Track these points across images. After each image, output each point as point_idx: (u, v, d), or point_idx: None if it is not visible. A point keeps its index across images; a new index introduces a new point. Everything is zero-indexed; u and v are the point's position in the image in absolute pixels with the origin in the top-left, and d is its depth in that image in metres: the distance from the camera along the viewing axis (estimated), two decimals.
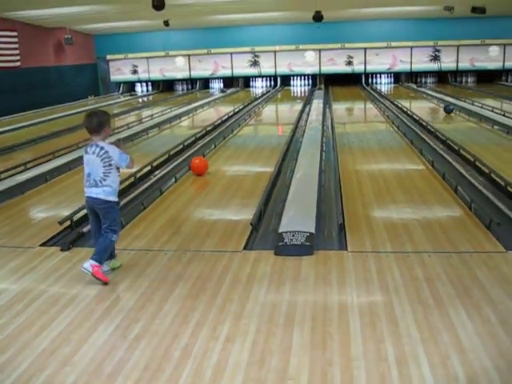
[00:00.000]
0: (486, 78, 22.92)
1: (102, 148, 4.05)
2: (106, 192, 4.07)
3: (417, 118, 12.48)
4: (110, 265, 4.27)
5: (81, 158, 4.35)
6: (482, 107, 13.82)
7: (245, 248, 4.70)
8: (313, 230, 4.79)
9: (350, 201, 6.03)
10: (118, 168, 4.12)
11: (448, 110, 13.68)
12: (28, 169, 8.17)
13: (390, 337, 3.11)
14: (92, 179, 4.07)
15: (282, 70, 23.74)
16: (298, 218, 5.16)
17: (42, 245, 5.00)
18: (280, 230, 4.83)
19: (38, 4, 15.18)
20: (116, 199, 4.17)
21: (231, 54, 23.64)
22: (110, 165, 4.05)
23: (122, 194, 6.50)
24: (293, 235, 4.66)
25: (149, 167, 7.88)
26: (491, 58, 22.60)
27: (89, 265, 4.01)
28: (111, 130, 4.22)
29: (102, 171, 4.04)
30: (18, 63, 18.42)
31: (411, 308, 3.45)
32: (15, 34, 18.10)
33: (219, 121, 13.33)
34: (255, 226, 5.20)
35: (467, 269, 4.06)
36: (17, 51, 18.31)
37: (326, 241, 4.88)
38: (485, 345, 2.99)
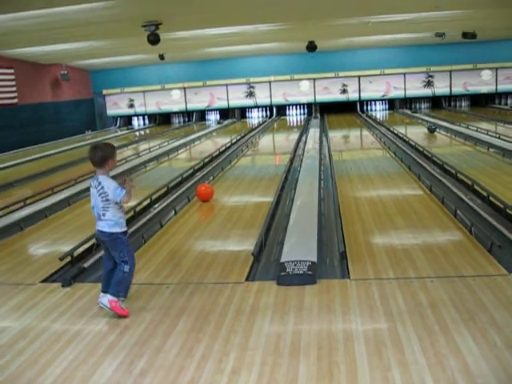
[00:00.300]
0: (480, 102, 23.16)
1: (99, 183, 4.06)
2: (109, 225, 4.07)
3: (413, 144, 12.55)
4: None
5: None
6: (477, 130, 13.93)
7: (247, 279, 4.69)
8: (315, 259, 4.78)
9: (351, 228, 6.03)
10: (116, 202, 4.11)
11: (431, 130, 14.84)
12: (27, 205, 8.16)
13: (397, 364, 3.09)
14: (96, 212, 4.11)
15: (278, 99, 23.92)
16: (299, 247, 5.15)
17: (43, 281, 4.98)
18: (282, 260, 4.82)
19: (33, 42, 15.35)
20: (121, 230, 4.13)
21: (227, 85, 23.85)
22: (107, 200, 4.05)
23: None
24: (295, 264, 4.65)
25: (148, 200, 7.89)
26: (484, 81, 22.83)
27: (106, 300, 4.00)
28: (116, 162, 4.20)
29: (101, 205, 4.06)
30: (16, 100, 18.57)
31: (416, 334, 3.43)
32: (12, 71, 18.28)
33: (217, 152, 13.39)
34: (257, 256, 5.20)
35: (471, 293, 4.05)
36: (14, 88, 18.47)
37: (328, 269, 4.88)
38: (492, 369, 2.97)
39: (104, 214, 4.06)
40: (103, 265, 4.32)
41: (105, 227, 4.07)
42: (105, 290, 4.12)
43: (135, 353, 3.44)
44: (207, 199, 7.93)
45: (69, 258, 5.40)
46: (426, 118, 18.98)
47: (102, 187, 4.04)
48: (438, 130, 14.95)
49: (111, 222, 4.08)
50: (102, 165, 4.07)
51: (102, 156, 4.05)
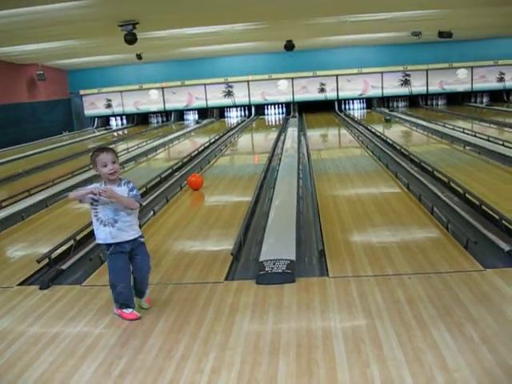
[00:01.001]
0: (456, 100, 23.44)
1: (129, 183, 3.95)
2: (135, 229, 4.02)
3: (390, 142, 12.66)
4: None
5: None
6: (453, 129, 14.10)
7: (226, 278, 4.69)
8: (293, 258, 4.80)
9: (329, 226, 6.07)
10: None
11: (388, 119, 16.66)
12: (3, 207, 8.08)
13: (376, 360, 3.12)
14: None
15: (256, 99, 23.97)
16: (278, 246, 5.17)
17: (20, 284, 4.93)
18: (261, 259, 4.84)
19: (9, 41, 15.17)
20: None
21: (205, 85, 23.82)
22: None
23: None
24: (274, 263, 4.66)
25: None
26: (460, 80, 23.12)
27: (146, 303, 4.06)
28: (100, 170, 3.89)
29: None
30: None
31: (394, 330, 3.46)
32: None
33: (195, 152, 13.38)
34: (236, 255, 5.20)
35: (447, 288, 4.10)
36: None
37: (306, 267, 4.89)
38: (469, 364, 3.01)
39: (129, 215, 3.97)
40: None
41: (135, 234, 4.01)
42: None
43: (115, 354, 3.43)
44: (197, 188, 8.67)
45: (46, 260, 5.35)
46: (403, 117, 19.14)
47: (131, 185, 3.94)
48: (393, 119, 16.24)
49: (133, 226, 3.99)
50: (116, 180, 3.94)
51: (116, 156, 3.93)
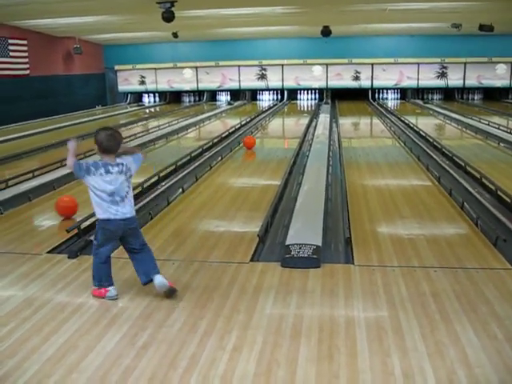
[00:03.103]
0: (493, 96, 22.99)
1: (123, 164, 3.88)
2: (132, 205, 3.97)
3: (423, 134, 12.51)
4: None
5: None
6: (488, 124, 13.85)
7: (251, 259, 4.72)
8: (319, 243, 4.81)
9: (357, 215, 6.04)
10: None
11: None
12: (35, 176, 8.21)
13: (397, 351, 3.11)
14: (118, 196, 3.84)
15: (289, 83, 23.83)
16: (304, 231, 5.18)
17: (49, 252, 5.03)
18: (287, 243, 4.85)
19: (48, 13, 15.30)
20: None
21: (239, 66, 23.76)
22: (131, 176, 3.95)
23: None
24: (300, 248, 4.67)
25: (156, 177, 7.92)
26: (498, 75, 22.65)
27: (164, 280, 3.90)
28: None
29: (126, 184, 3.90)
30: (27, 71, 18.57)
31: (417, 322, 3.45)
32: (25, 42, 18.27)
33: (226, 133, 13.39)
34: (262, 237, 5.22)
35: (473, 285, 4.06)
36: (26, 59, 18.46)
37: (332, 254, 4.90)
38: (491, 360, 2.99)
39: (128, 193, 3.91)
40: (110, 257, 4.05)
41: (131, 211, 3.93)
42: (151, 276, 3.94)
43: (139, 326, 3.49)
44: (250, 147, 10.60)
45: (76, 231, 5.44)
46: (437, 109, 18.89)
47: (124, 165, 3.88)
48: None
49: (132, 203, 3.98)
50: (116, 151, 3.89)
51: (120, 141, 3.90)
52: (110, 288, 3.96)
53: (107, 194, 3.82)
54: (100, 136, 3.82)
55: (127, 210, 3.89)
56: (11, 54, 17.63)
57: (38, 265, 4.67)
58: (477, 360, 3.00)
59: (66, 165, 4.03)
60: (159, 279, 3.88)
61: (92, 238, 5.16)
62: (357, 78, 23.35)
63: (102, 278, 3.97)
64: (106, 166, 3.83)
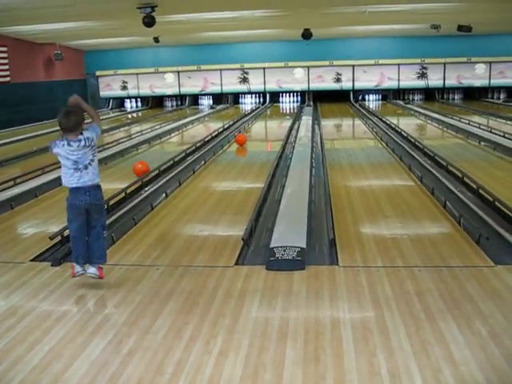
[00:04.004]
0: (473, 95, 23.22)
1: (79, 140, 4.05)
2: (96, 174, 4.15)
3: (405, 135, 12.59)
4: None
5: None
6: (468, 124, 13.98)
7: (236, 263, 4.71)
8: (304, 245, 4.81)
9: (341, 216, 6.06)
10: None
11: None
12: (17, 184, 8.13)
13: (383, 350, 3.13)
14: (81, 164, 4.06)
15: (271, 86, 23.87)
16: (289, 233, 5.18)
17: (32, 260, 4.99)
18: (271, 245, 4.85)
19: (28, 20, 15.17)
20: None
21: (221, 70, 23.74)
22: (93, 145, 4.12)
23: (112, 209, 6.55)
24: (284, 250, 4.68)
25: (139, 183, 7.89)
26: (477, 75, 22.85)
27: (95, 270, 4.17)
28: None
29: (90, 153, 4.10)
30: (8, 78, 18.40)
31: (403, 322, 3.47)
32: (5, 49, 18.10)
33: (209, 137, 13.37)
34: (246, 241, 5.22)
35: (457, 283, 4.09)
36: (7, 66, 18.29)
37: (317, 256, 4.90)
38: (476, 358, 3.02)
39: (92, 161, 4.11)
40: (81, 236, 4.19)
41: (94, 178, 4.11)
42: (86, 261, 4.20)
43: (124, 333, 3.46)
44: (242, 143, 11.61)
45: (59, 238, 5.39)
46: (418, 110, 19.02)
47: (86, 139, 4.06)
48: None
49: (96, 171, 4.15)
50: (74, 130, 4.06)
51: (76, 121, 4.05)
52: (77, 266, 4.18)
53: (71, 162, 4.06)
54: (59, 116, 4.09)
55: (89, 177, 4.10)
56: None
57: (22, 273, 4.63)
58: (462, 357, 3.03)
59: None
60: (91, 270, 4.18)
61: None
62: (338, 80, 23.44)
63: (73, 254, 4.22)
64: (68, 141, 4.07)
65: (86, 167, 4.08)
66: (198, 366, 3.04)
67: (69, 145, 4.05)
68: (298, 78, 23.64)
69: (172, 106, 25.16)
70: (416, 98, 23.94)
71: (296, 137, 12.78)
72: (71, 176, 4.09)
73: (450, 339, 3.23)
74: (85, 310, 3.85)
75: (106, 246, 4.34)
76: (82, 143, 4.04)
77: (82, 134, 4.08)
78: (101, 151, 11.02)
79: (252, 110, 21.50)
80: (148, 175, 8.41)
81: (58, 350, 3.28)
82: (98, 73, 24.25)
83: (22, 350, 3.28)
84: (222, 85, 24.02)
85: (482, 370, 2.89)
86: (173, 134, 14.95)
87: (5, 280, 4.49)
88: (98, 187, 4.18)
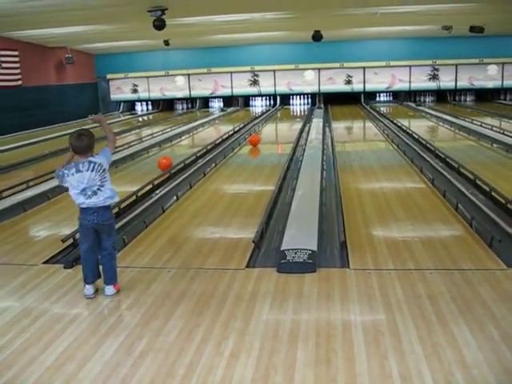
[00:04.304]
0: (485, 97, 23.09)
1: (90, 162, 4.08)
2: (109, 195, 4.14)
3: (416, 137, 12.55)
4: (95, 287, 4.24)
5: None
6: (481, 125, 13.91)
7: (247, 266, 4.72)
8: (315, 248, 4.82)
9: (352, 218, 6.06)
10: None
11: None
12: (30, 187, 8.20)
13: (394, 353, 3.12)
14: (90, 191, 4.08)
15: (282, 89, 23.89)
16: (300, 236, 5.18)
17: (45, 262, 5.03)
18: (282, 248, 4.85)
19: (39, 24, 15.29)
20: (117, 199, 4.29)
21: (231, 73, 23.80)
22: (104, 170, 4.13)
23: (123, 212, 6.59)
24: (295, 253, 4.68)
25: (150, 186, 7.92)
26: (490, 76, 22.75)
27: (112, 290, 4.17)
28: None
29: (98, 179, 4.10)
30: (20, 82, 18.54)
31: (414, 325, 3.47)
32: (16, 53, 18.24)
33: (220, 140, 13.40)
34: (257, 243, 5.23)
35: (469, 286, 4.08)
36: (18, 70, 18.43)
37: (328, 258, 4.90)
38: (488, 361, 3.01)
39: (103, 186, 4.11)
40: (90, 257, 4.21)
41: (104, 200, 4.10)
42: (95, 280, 4.23)
43: (136, 334, 3.49)
44: (255, 144, 12.08)
45: (71, 240, 5.43)
46: (430, 111, 18.95)
47: (95, 163, 4.08)
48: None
49: (110, 193, 4.14)
50: (86, 153, 4.09)
51: (88, 145, 4.08)
52: (86, 286, 4.18)
53: (79, 190, 4.10)
54: (71, 139, 4.10)
55: (98, 200, 4.10)
56: (3, 65, 17.60)
57: (35, 275, 4.67)
58: (474, 361, 3.02)
59: None
60: (109, 291, 4.17)
61: None
62: (349, 82, 23.42)
63: (83, 274, 4.22)
64: (77, 165, 4.10)
65: (95, 193, 4.09)
66: (209, 367, 3.05)
67: (78, 171, 4.07)
68: (308, 80, 23.64)
69: (182, 108, 25.26)
70: (427, 100, 23.85)
71: (307, 139, 12.78)
72: (79, 196, 4.12)
73: (462, 342, 3.22)
74: (97, 312, 3.88)
75: (116, 266, 4.28)
76: (92, 166, 4.06)
77: (93, 156, 4.11)
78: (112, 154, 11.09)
79: (262, 113, 21.52)
80: (159, 178, 8.43)
81: (71, 351, 3.30)
82: (108, 76, 24.39)
83: (36, 351, 3.32)
84: (232, 87, 24.07)
85: (494, 374, 2.88)
86: (183, 137, 15.00)
87: (19, 282, 4.53)
88: (107, 208, 4.16)
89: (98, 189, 4.09)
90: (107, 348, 3.33)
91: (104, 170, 4.12)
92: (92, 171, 4.06)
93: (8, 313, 3.90)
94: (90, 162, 4.07)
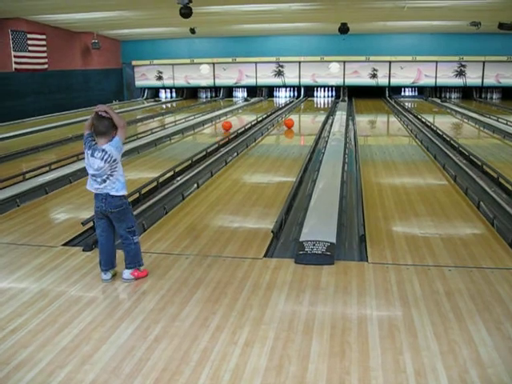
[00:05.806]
0: None
1: (103, 150, 4.01)
2: (119, 186, 4.11)
3: (440, 133, 12.42)
4: (112, 272, 4.26)
5: None
6: (506, 124, 13.71)
7: (265, 255, 4.72)
8: (334, 240, 4.79)
9: (372, 212, 6.02)
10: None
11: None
12: (52, 170, 8.29)
13: (409, 349, 3.10)
14: (99, 177, 4.08)
15: (306, 80, 23.79)
16: (319, 228, 5.17)
17: (64, 244, 5.08)
18: (301, 239, 4.84)
19: (66, 8, 15.40)
20: (126, 193, 4.22)
21: (256, 63, 23.75)
22: (115, 160, 4.06)
23: (144, 198, 6.63)
24: (313, 244, 4.67)
25: (171, 173, 7.95)
26: None
27: (128, 274, 4.19)
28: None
29: (108, 167, 4.04)
30: (46, 66, 18.70)
31: (431, 321, 3.44)
32: (44, 37, 18.39)
33: (242, 129, 13.40)
34: (276, 234, 5.22)
35: (488, 284, 4.03)
36: (45, 54, 18.59)
37: (346, 251, 4.89)
38: (504, 361, 2.97)
39: (112, 175, 4.07)
40: (104, 242, 4.22)
41: (113, 190, 4.07)
42: (110, 268, 4.23)
43: (151, 319, 3.51)
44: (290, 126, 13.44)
45: (91, 224, 5.47)
46: (455, 108, 18.73)
47: (107, 154, 4.01)
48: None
49: (120, 184, 4.11)
50: (105, 135, 4.03)
51: (108, 125, 4.02)
52: (102, 273, 4.22)
53: (91, 173, 4.12)
54: (91, 119, 4.13)
55: (106, 188, 4.09)
56: (30, 48, 17.76)
57: (53, 257, 4.72)
58: (490, 360, 2.99)
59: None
60: (125, 275, 4.20)
61: None
62: (374, 76, 23.24)
63: (99, 259, 4.26)
64: (94, 149, 4.06)
65: (104, 181, 4.07)
66: (223, 355, 3.06)
67: (92, 155, 4.04)
68: (333, 73, 23.51)
69: (206, 97, 25.30)
70: (453, 97, 23.58)
71: (329, 132, 12.72)
72: (90, 181, 4.16)
73: (478, 341, 3.19)
74: (114, 295, 3.91)
75: (137, 251, 4.23)
76: (104, 156, 4.00)
77: (109, 141, 4.04)
78: (134, 140, 11.17)
79: (286, 104, 21.44)
80: (180, 165, 8.45)
81: (87, 333, 3.34)
82: (133, 62, 24.50)
83: (52, 332, 3.36)
84: (256, 78, 24.03)
85: (509, 373, 2.85)
86: (206, 125, 15.02)
87: (37, 263, 4.58)
88: (115, 196, 4.10)
89: (108, 178, 4.06)
90: (122, 331, 3.35)
91: (115, 161, 4.06)
92: (102, 160, 4.00)
93: (25, 293, 3.94)
94: (104, 150, 4.00)
